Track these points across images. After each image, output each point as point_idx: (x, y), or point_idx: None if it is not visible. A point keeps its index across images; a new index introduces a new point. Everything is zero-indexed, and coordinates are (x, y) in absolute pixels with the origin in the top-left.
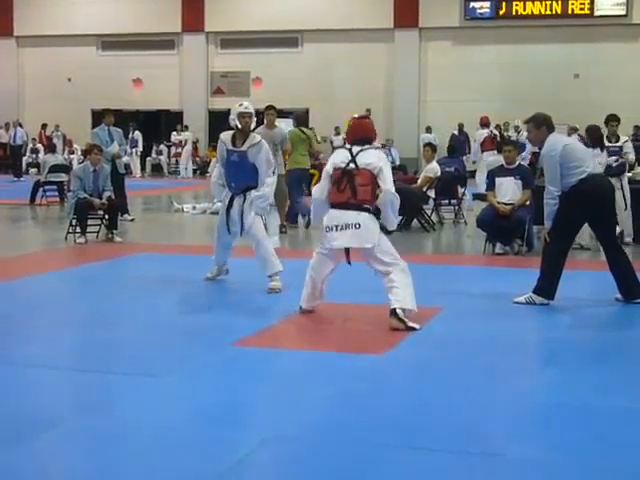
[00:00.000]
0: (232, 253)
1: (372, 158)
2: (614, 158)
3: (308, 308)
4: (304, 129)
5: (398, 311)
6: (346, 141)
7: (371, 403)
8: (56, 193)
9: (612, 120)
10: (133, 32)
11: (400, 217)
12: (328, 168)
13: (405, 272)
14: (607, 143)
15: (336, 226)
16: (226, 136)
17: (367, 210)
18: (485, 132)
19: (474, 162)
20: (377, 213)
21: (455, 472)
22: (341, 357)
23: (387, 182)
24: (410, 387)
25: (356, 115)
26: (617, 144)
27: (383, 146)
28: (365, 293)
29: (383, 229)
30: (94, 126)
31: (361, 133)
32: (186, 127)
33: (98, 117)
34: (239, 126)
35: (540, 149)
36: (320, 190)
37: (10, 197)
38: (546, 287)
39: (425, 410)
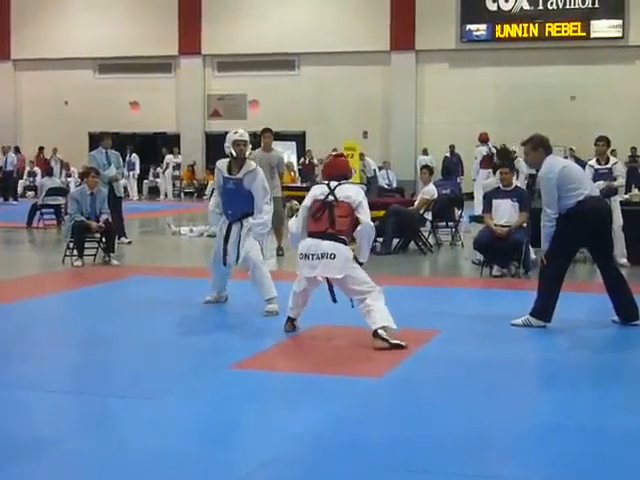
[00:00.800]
0: (231, 276)
1: (350, 192)
2: (600, 183)
3: (293, 316)
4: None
5: (380, 332)
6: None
7: (369, 425)
8: (53, 216)
9: (599, 140)
10: (130, 55)
11: (397, 239)
12: (306, 202)
13: (380, 296)
14: (596, 165)
15: (313, 255)
16: (222, 164)
17: (343, 242)
18: (484, 149)
19: (474, 180)
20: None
21: None
22: (339, 380)
23: (366, 215)
24: (408, 409)
25: (333, 153)
26: (606, 166)
27: (367, 181)
28: (358, 314)
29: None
30: (91, 149)
31: (337, 170)
32: (170, 151)
33: (95, 140)
34: (234, 154)
35: (537, 171)
36: (297, 225)
37: (7, 220)
38: (543, 309)
39: (422, 432)
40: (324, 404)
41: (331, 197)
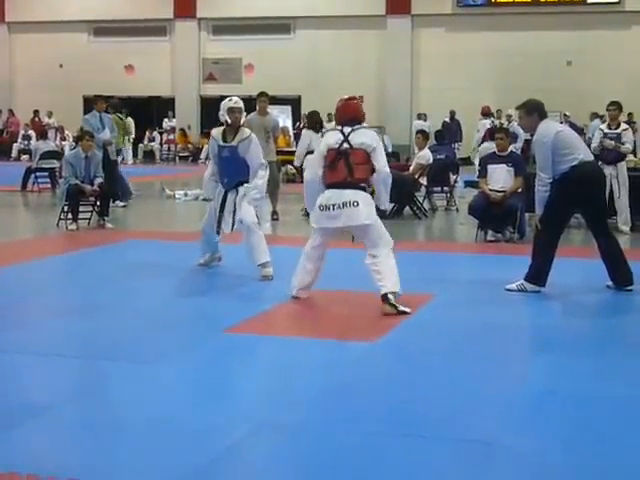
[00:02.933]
0: (225, 239)
1: (365, 137)
2: (609, 141)
3: (299, 296)
4: (120, 115)
5: (389, 296)
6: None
7: (362, 390)
8: (48, 180)
9: (610, 105)
10: (125, 18)
11: (392, 204)
12: (322, 149)
13: (391, 255)
14: (606, 129)
15: (333, 205)
16: (217, 132)
17: (363, 189)
18: (487, 122)
19: (474, 149)
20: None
21: (447, 459)
22: (332, 344)
23: (381, 162)
24: (401, 374)
25: (344, 97)
26: (616, 131)
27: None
28: (355, 279)
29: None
30: (85, 113)
31: (350, 114)
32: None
33: (90, 104)
34: (229, 121)
35: (532, 136)
36: (313, 172)
37: (1, 183)
38: (538, 274)
39: (417, 398)
40: (317, 369)
41: (346, 144)
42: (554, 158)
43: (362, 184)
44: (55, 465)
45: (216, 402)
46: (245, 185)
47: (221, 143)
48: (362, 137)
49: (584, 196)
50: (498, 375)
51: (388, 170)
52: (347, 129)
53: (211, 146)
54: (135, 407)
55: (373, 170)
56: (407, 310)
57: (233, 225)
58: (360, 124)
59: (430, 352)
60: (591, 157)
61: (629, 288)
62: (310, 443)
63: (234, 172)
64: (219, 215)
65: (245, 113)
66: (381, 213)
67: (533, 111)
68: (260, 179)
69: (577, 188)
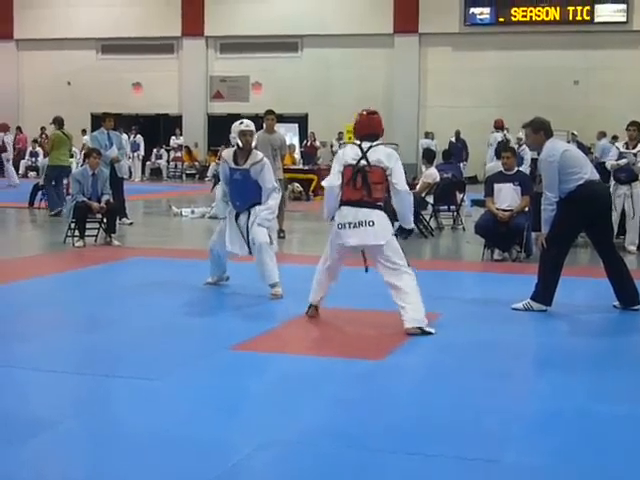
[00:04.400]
0: (234, 259)
1: (383, 155)
2: (623, 160)
3: (315, 302)
4: (65, 131)
5: (414, 330)
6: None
7: (369, 408)
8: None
9: (630, 125)
10: (133, 36)
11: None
12: (340, 163)
13: (412, 278)
14: (622, 148)
15: (349, 223)
16: (228, 154)
17: (380, 208)
18: (499, 136)
19: (485, 164)
20: (388, 212)
21: (450, 477)
22: (340, 362)
23: (400, 181)
24: (408, 392)
25: (365, 111)
26: (632, 151)
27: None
28: (366, 298)
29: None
30: (93, 130)
31: (370, 129)
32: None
33: (97, 121)
34: (240, 144)
35: (538, 154)
36: (332, 179)
37: (9, 200)
38: (544, 293)
39: (422, 415)
40: (324, 386)
41: (363, 161)
42: (560, 177)
43: (379, 203)
44: (61, 479)
45: (222, 419)
46: (257, 207)
47: (232, 166)
48: (380, 155)
49: (590, 215)
50: (503, 393)
51: (407, 189)
52: (366, 145)
53: (222, 168)
54: (141, 423)
55: (387, 189)
56: (432, 331)
57: (248, 247)
58: (378, 139)
59: (435, 370)
60: (597, 176)
61: (636, 308)
62: (316, 460)
63: (246, 195)
64: (230, 237)
65: (255, 134)
66: (407, 232)
67: (539, 129)
68: (272, 200)
69: (584, 207)
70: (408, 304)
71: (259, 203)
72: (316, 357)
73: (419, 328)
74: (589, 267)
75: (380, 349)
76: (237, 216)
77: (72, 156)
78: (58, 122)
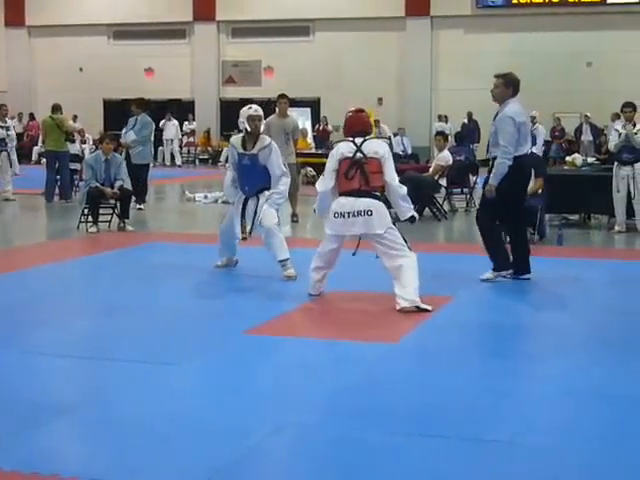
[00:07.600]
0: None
1: (378, 147)
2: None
3: (315, 293)
4: (53, 115)
5: (409, 308)
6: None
7: (382, 390)
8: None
9: (625, 107)
10: (145, 22)
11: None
12: (335, 160)
13: (413, 264)
14: (621, 129)
15: (348, 213)
16: (236, 140)
17: (377, 197)
18: None
19: None
20: (387, 202)
21: (467, 459)
22: (355, 345)
23: (390, 174)
24: (421, 374)
25: (352, 110)
26: (633, 130)
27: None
28: (378, 280)
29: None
30: (106, 115)
31: (360, 126)
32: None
33: (109, 106)
34: (248, 129)
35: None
36: (325, 183)
37: (24, 187)
38: (500, 261)
39: (436, 398)
40: (339, 369)
41: (359, 154)
42: None
43: (376, 192)
44: (77, 465)
45: (237, 402)
46: (266, 193)
47: (241, 151)
48: (374, 147)
49: (521, 186)
50: (519, 375)
51: (397, 182)
52: (359, 139)
53: (230, 154)
54: (157, 408)
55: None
56: (428, 308)
57: (252, 229)
58: (368, 135)
59: (451, 352)
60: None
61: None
62: (331, 443)
63: (254, 180)
64: (241, 221)
65: (264, 121)
66: (411, 219)
67: (510, 85)
68: (282, 185)
69: (519, 176)
70: (404, 286)
71: (268, 188)
72: (330, 340)
73: (415, 306)
74: (604, 249)
75: (394, 331)
76: (246, 201)
77: (72, 141)
78: (52, 108)
